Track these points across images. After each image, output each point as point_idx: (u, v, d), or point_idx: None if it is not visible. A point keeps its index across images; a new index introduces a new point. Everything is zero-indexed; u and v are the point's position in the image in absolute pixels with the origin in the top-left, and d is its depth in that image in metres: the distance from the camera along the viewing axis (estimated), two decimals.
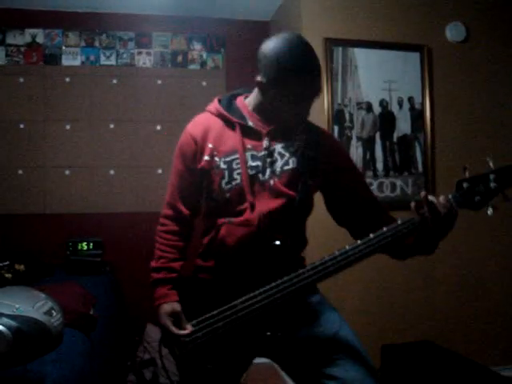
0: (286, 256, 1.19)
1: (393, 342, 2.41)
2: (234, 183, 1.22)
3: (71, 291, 1.84)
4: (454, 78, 2.68)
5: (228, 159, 1.23)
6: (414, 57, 2.63)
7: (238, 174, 1.22)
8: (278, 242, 1.18)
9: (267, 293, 1.14)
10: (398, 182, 2.59)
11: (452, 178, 1.15)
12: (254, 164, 1.23)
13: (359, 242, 1.10)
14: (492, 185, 1.08)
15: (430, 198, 1.07)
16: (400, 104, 2.61)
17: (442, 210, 1.06)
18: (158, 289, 1.28)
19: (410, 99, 2.62)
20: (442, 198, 1.07)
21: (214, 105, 1.32)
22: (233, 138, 1.25)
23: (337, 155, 1.34)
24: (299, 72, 1.17)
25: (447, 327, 2.57)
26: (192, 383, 1.27)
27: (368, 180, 2.54)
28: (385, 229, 1.10)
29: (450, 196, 1.10)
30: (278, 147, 1.26)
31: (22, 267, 2.14)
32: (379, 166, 2.58)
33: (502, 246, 2.69)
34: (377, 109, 2.59)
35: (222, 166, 1.23)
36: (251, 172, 1.22)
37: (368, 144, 2.57)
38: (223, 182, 1.23)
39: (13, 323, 1.17)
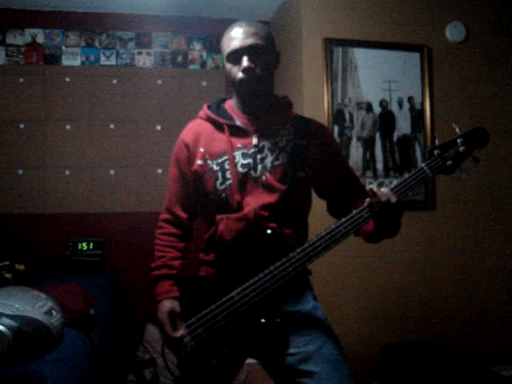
0: (284, 247, 1.21)
1: (392, 342, 2.41)
2: (227, 183, 1.27)
3: (71, 291, 1.84)
4: (454, 78, 2.69)
5: (220, 161, 1.28)
6: (414, 57, 2.63)
7: (231, 174, 1.26)
8: (269, 231, 1.21)
9: (262, 280, 1.17)
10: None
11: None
12: (245, 162, 1.27)
13: (343, 219, 1.15)
14: (461, 149, 1.16)
15: (375, 189, 1.13)
16: (400, 104, 2.61)
17: (382, 199, 1.11)
18: (159, 285, 1.32)
19: (410, 99, 2.62)
20: (383, 189, 1.13)
21: (204, 110, 1.38)
22: (222, 140, 1.30)
23: (326, 146, 1.36)
24: (232, 31, 1.27)
25: (447, 327, 2.57)
26: (195, 381, 1.27)
27: (368, 180, 2.55)
28: (361, 207, 1.15)
29: (422, 164, 1.16)
30: (268, 143, 1.30)
31: (22, 267, 2.14)
32: (379, 165, 2.58)
33: (500, 245, 2.69)
34: (377, 109, 2.59)
35: (215, 168, 1.28)
36: (243, 170, 1.27)
37: (368, 144, 2.57)
38: (217, 183, 1.28)
39: (13, 323, 1.17)
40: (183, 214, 1.39)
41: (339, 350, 1.24)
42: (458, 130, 1.18)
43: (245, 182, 1.26)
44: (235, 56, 1.26)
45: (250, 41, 1.25)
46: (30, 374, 1.17)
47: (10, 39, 2.97)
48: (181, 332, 1.22)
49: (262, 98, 1.31)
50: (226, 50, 1.28)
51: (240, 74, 1.26)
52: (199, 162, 1.31)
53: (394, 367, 2.29)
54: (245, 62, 1.25)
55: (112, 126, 3.04)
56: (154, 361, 2.49)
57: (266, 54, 1.29)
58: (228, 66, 1.29)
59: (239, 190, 1.25)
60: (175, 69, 3.14)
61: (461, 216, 2.65)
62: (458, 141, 1.17)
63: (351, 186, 1.37)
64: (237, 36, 1.26)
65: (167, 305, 1.27)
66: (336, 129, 2.52)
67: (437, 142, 1.18)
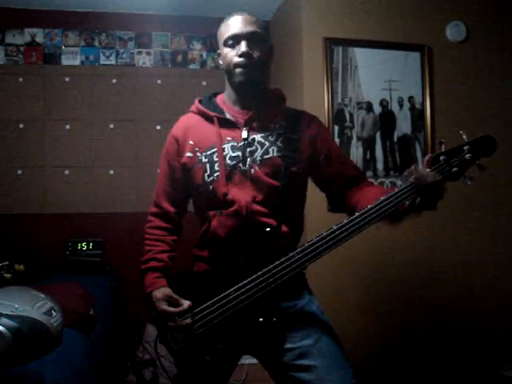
0: (278, 242, 1.21)
1: (392, 342, 2.41)
2: (215, 175, 1.26)
3: (71, 291, 1.84)
4: (454, 78, 2.68)
5: (209, 153, 1.28)
6: (415, 56, 2.62)
7: (219, 165, 1.26)
8: (268, 229, 1.21)
9: (260, 278, 1.16)
10: (399, 182, 2.58)
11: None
12: (234, 154, 1.27)
13: (345, 220, 1.14)
14: (467, 156, 1.15)
15: (419, 168, 1.13)
16: (400, 104, 2.61)
17: (429, 180, 1.12)
18: (146, 277, 1.34)
19: (411, 99, 2.62)
20: (428, 170, 1.14)
21: (195, 104, 1.39)
22: (212, 132, 1.30)
23: (319, 136, 1.35)
24: (231, 19, 1.33)
25: (447, 327, 2.57)
26: (190, 377, 1.27)
27: (368, 180, 2.54)
28: (368, 206, 1.14)
29: (427, 170, 1.15)
30: (258, 136, 1.29)
31: (21, 267, 2.14)
32: (379, 165, 2.57)
33: (501, 245, 2.69)
34: (377, 108, 2.58)
35: (204, 160, 1.28)
36: (232, 162, 1.26)
37: (368, 144, 2.57)
38: (206, 175, 1.28)
39: (12, 323, 1.16)
40: (171, 209, 1.39)
41: (336, 343, 1.24)
42: (464, 137, 1.17)
43: (233, 174, 1.25)
44: (233, 41, 1.28)
45: (249, 28, 1.29)
46: (30, 374, 1.17)
47: (9, 39, 2.96)
48: (185, 305, 1.21)
49: (256, 87, 1.30)
50: (223, 36, 1.31)
51: (237, 58, 1.27)
52: (188, 154, 1.31)
53: (394, 367, 2.29)
54: (243, 46, 1.26)
55: (111, 126, 3.04)
56: (153, 361, 2.49)
57: (264, 43, 1.31)
58: (225, 50, 1.30)
59: (226, 182, 1.24)
60: (175, 68, 3.14)
61: (461, 216, 2.64)
62: (465, 148, 1.16)
63: (351, 170, 1.37)
64: (236, 22, 1.30)
65: (157, 294, 1.27)
66: (336, 129, 2.52)
67: (443, 147, 1.17)
